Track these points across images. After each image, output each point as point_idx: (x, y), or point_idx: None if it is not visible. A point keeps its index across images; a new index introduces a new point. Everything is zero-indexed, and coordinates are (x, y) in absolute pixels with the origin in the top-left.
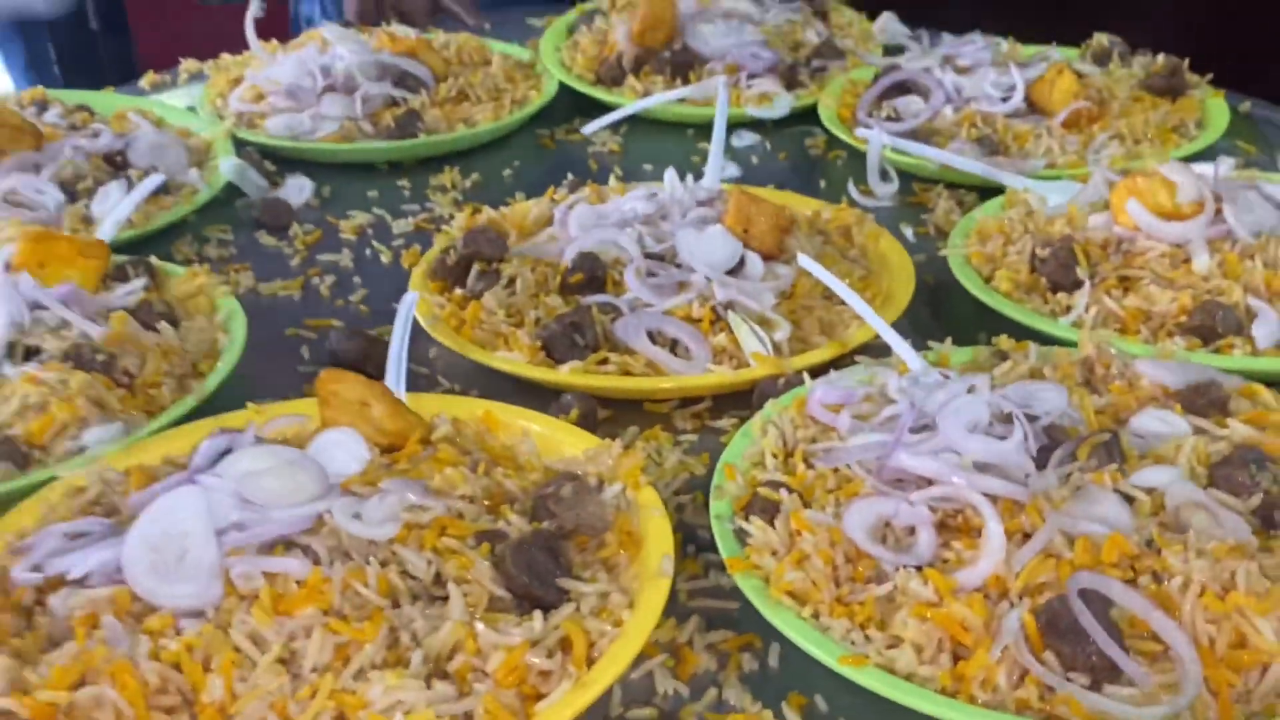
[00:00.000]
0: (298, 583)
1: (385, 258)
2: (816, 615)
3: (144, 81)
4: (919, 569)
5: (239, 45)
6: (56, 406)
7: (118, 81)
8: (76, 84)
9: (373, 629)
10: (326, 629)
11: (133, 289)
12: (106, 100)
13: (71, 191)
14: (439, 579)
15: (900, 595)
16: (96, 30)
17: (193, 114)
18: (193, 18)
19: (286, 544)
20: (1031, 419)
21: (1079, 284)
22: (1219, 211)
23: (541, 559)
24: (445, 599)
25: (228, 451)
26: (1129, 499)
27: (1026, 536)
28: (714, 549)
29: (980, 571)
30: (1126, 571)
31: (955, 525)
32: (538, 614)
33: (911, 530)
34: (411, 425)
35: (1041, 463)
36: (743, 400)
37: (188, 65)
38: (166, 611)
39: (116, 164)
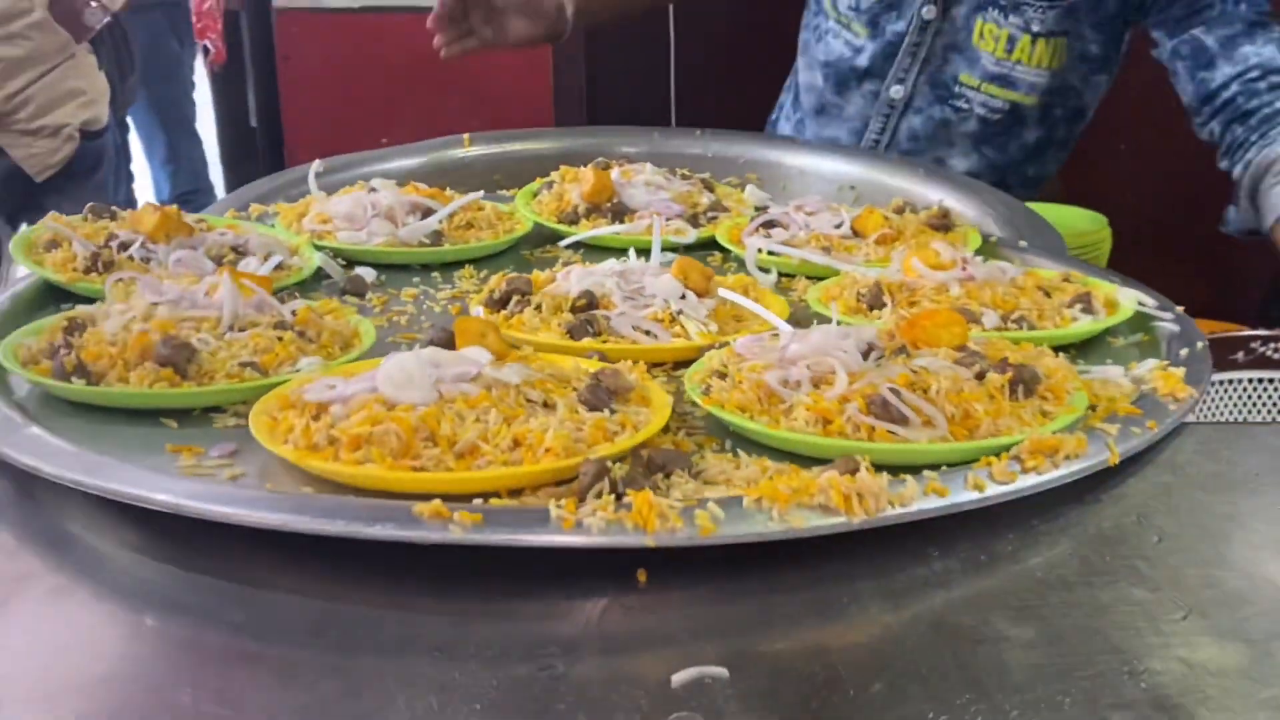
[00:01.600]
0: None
1: (437, 308)
2: (751, 418)
3: (226, 215)
4: (805, 396)
5: (368, 141)
6: (278, 348)
7: (270, 168)
8: (236, 169)
9: (522, 412)
10: (499, 410)
11: (298, 303)
12: (215, 220)
13: (219, 263)
14: (545, 405)
15: (795, 406)
16: (255, 126)
17: (275, 230)
18: (335, 115)
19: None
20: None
21: (885, 305)
22: (965, 267)
23: (602, 393)
24: (554, 411)
25: None
26: (913, 371)
27: None
28: (687, 413)
29: (835, 391)
30: (910, 389)
31: (822, 380)
32: (605, 411)
33: (799, 383)
34: (509, 349)
35: (865, 356)
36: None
37: (255, 207)
38: (407, 404)
39: (241, 252)
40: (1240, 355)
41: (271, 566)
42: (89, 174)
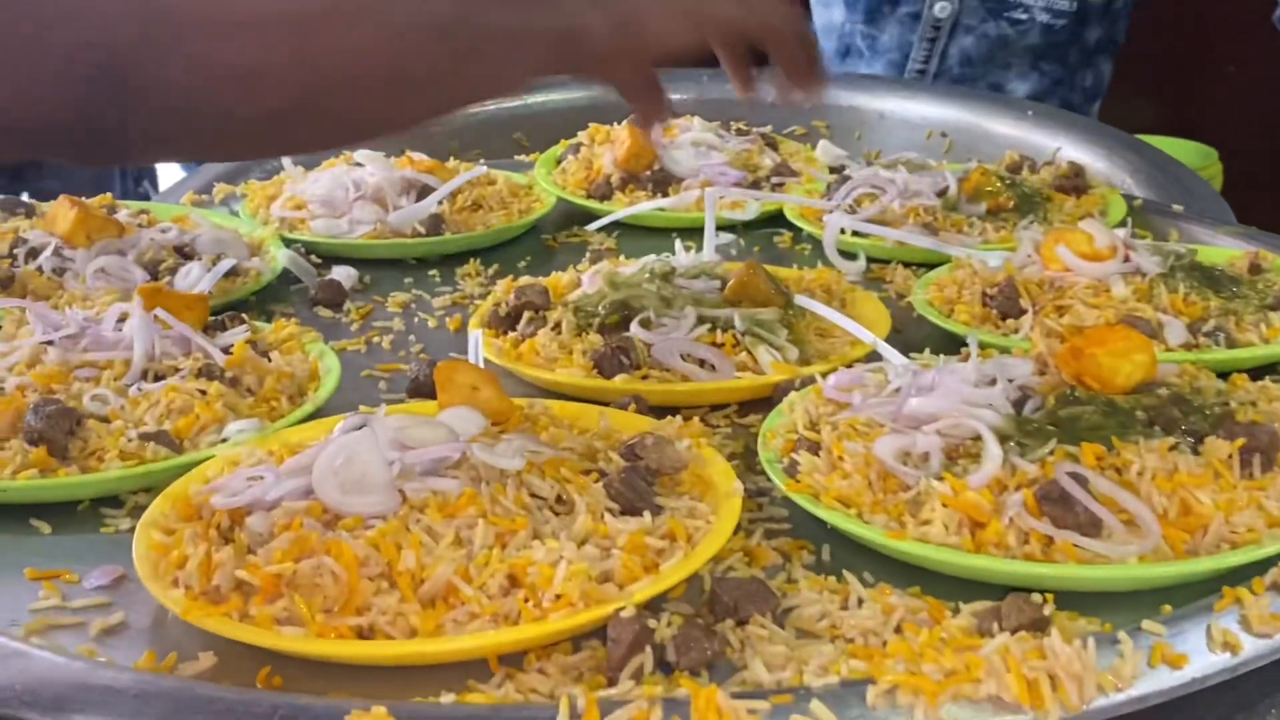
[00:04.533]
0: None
1: (432, 323)
2: (860, 515)
3: (184, 199)
4: (937, 479)
5: None
6: (199, 408)
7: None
8: None
9: (523, 522)
10: (487, 522)
11: (238, 331)
12: (162, 209)
13: (154, 272)
14: (559, 500)
15: (924, 496)
16: None
17: (238, 219)
18: None
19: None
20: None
21: (1023, 311)
22: (1128, 257)
23: (640, 484)
24: (569, 514)
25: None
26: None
27: None
28: (761, 494)
29: (984, 474)
30: (1098, 468)
31: (959, 453)
32: (646, 514)
33: (925, 456)
34: (512, 407)
35: (1019, 409)
36: (764, 406)
37: (221, 188)
38: (354, 517)
39: (186, 254)
40: None
41: None
42: None
